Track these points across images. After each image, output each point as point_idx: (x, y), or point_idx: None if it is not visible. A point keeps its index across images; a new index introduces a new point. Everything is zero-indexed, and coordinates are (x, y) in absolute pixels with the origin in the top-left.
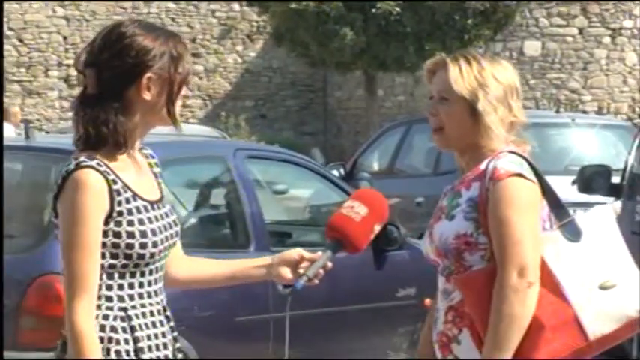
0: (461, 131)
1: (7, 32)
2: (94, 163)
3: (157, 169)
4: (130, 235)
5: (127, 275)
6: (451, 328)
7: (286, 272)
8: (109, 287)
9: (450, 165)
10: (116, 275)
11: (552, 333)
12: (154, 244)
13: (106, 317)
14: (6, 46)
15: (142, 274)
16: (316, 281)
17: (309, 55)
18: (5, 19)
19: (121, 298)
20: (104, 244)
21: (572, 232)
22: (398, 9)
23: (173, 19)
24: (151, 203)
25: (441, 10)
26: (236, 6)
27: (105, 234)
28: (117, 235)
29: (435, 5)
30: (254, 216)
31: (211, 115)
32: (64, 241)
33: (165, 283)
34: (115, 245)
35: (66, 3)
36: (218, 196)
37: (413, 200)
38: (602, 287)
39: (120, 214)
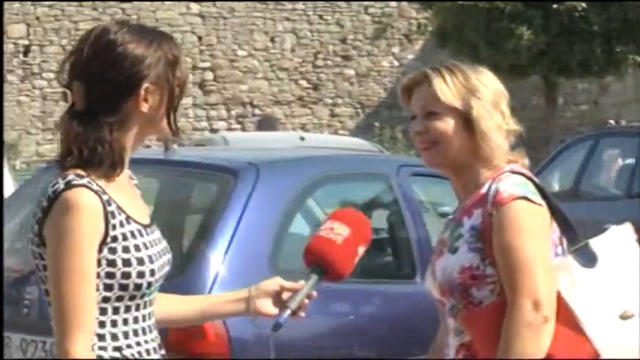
0: (457, 145)
1: None
2: (85, 181)
3: (138, 192)
4: (126, 262)
5: (122, 310)
6: None
7: (267, 306)
8: (102, 324)
9: None
10: (110, 310)
11: None
12: (152, 273)
13: (99, 358)
14: None
15: (137, 308)
16: (302, 314)
17: (479, 58)
18: (135, 17)
19: (114, 337)
20: (97, 275)
21: (587, 258)
22: (584, 4)
23: (321, 17)
24: (144, 227)
25: (634, 7)
26: (393, 2)
27: (98, 263)
28: (111, 263)
29: (627, 1)
30: (421, 242)
31: (363, 126)
32: (54, 271)
33: None
34: (110, 275)
35: None
36: (379, 219)
37: (601, 227)
38: (622, 317)
39: (114, 239)
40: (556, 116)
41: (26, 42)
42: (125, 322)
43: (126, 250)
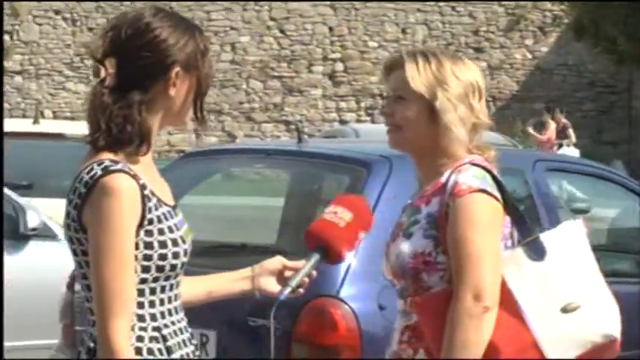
0: (419, 132)
1: (268, 22)
2: (120, 166)
3: None
4: (162, 244)
5: (158, 290)
6: (406, 349)
7: (270, 283)
8: (141, 305)
9: None
10: (147, 291)
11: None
12: (185, 253)
13: (140, 339)
14: (267, 38)
15: (171, 288)
16: (301, 291)
17: (616, 52)
18: (267, 8)
19: (153, 317)
20: (135, 257)
21: (536, 251)
22: None
23: (453, 8)
24: (172, 209)
25: None
26: None
27: (135, 246)
28: (148, 245)
29: None
30: None
31: (495, 119)
32: (96, 255)
33: None
34: (147, 257)
35: None
36: None
37: None
38: (565, 310)
39: (150, 222)
40: None
41: None
42: (162, 302)
43: (161, 232)
